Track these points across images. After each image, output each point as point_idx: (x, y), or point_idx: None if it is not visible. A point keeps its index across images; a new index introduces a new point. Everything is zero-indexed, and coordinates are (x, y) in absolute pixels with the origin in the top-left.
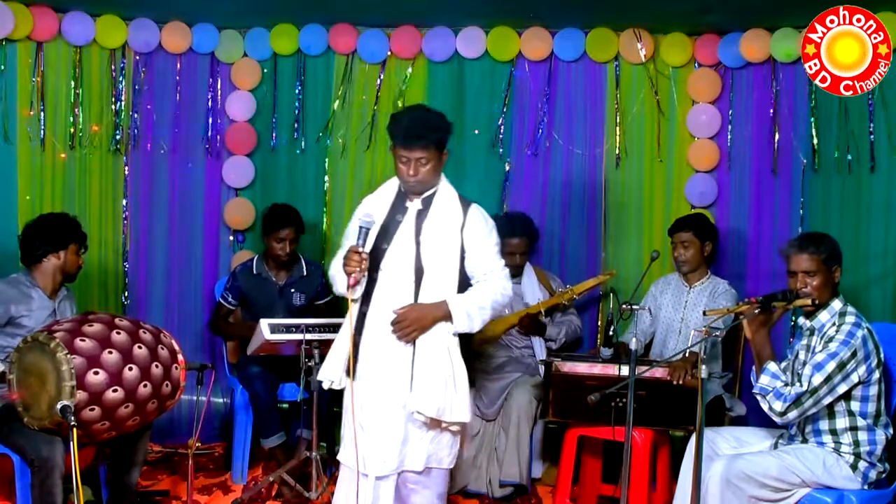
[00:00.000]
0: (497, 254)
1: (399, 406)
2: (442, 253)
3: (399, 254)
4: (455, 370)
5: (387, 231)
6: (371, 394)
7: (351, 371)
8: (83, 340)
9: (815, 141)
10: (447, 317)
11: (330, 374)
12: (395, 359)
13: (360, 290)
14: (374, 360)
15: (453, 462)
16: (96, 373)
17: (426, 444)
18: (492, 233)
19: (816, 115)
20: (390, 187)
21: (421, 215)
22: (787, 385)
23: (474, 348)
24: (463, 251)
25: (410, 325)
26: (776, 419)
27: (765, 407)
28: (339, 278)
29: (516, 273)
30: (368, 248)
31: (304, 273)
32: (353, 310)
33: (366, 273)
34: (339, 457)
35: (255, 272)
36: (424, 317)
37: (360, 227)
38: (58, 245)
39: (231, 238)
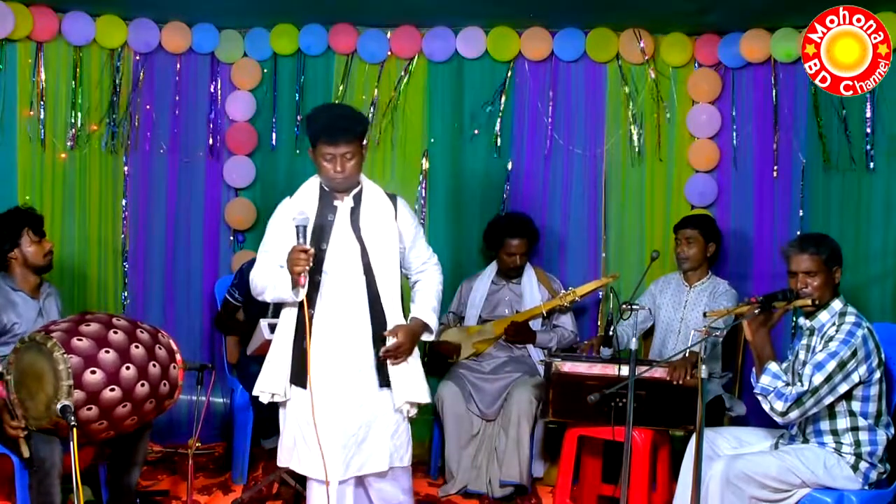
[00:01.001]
0: (426, 242)
1: (357, 407)
2: (385, 247)
3: (342, 253)
4: (415, 356)
5: (322, 231)
6: (327, 398)
7: (308, 379)
8: (80, 340)
9: (815, 141)
10: (425, 328)
11: (270, 385)
12: (354, 360)
13: (304, 291)
14: (329, 364)
15: (411, 459)
16: (93, 372)
17: (387, 442)
18: (418, 222)
19: (816, 115)
20: (311, 188)
21: (354, 212)
22: (788, 385)
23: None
24: (400, 243)
25: (406, 349)
26: (778, 419)
27: (766, 407)
28: (276, 283)
29: (517, 274)
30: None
31: None
32: (293, 313)
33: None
34: (293, 467)
35: None
36: (414, 338)
37: (298, 227)
38: (12, 239)
39: (231, 238)
